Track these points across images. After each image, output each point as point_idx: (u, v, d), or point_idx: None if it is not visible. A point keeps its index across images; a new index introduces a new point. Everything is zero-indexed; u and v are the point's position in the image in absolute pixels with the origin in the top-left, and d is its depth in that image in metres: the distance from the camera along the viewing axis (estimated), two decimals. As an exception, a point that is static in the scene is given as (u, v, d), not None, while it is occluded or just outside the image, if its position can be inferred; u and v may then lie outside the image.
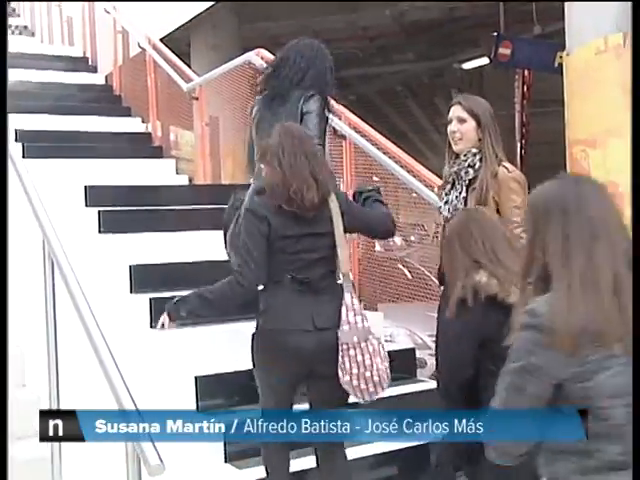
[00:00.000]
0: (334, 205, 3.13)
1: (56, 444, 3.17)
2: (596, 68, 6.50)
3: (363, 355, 3.07)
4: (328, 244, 3.13)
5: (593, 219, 1.92)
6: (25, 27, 12.13)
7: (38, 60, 9.59)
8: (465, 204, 3.46)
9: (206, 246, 4.99)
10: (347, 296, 3.12)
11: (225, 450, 3.62)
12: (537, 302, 1.91)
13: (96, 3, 9.68)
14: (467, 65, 17.04)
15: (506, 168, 3.46)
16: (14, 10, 12.61)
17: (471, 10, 14.66)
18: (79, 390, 3.47)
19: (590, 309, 1.84)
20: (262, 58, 5.94)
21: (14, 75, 8.19)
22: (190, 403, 3.79)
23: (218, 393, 3.81)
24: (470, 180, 3.49)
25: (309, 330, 3.07)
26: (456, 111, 3.58)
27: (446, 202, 3.59)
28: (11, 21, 12.15)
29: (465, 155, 3.55)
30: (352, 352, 3.05)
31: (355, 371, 3.06)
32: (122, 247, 4.87)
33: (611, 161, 6.37)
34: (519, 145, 21.21)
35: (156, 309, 4.33)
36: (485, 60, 14.78)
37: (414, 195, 5.08)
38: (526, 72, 18.45)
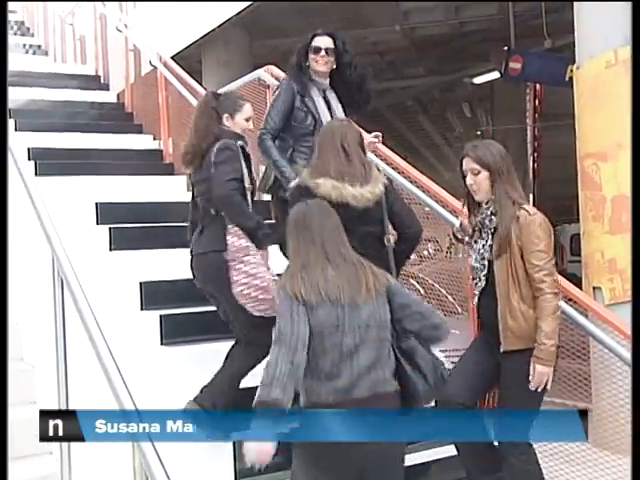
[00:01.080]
0: None
1: (66, 460, 3.17)
2: (606, 81, 6.50)
3: (247, 266, 3.63)
4: None
5: (312, 229, 2.92)
6: (39, 46, 12.22)
7: (51, 79, 9.67)
8: (491, 252, 3.47)
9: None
10: (229, 226, 3.72)
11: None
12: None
13: (108, 21, 9.77)
14: (478, 79, 17.05)
15: (527, 211, 3.44)
16: (28, 29, 12.74)
17: (481, 25, 14.71)
18: (89, 406, 3.47)
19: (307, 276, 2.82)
20: (272, 75, 5.97)
21: (27, 94, 8.27)
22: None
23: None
24: (495, 228, 3.49)
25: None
26: (468, 163, 3.58)
27: (474, 251, 3.59)
28: (25, 40, 12.28)
29: (487, 203, 3.55)
30: (238, 266, 3.62)
31: (244, 281, 3.62)
32: (133, 264, 4.89)
33: (622, 174, 6.36)
34: (531, 159, 21.20)
35: (166, 326, 4.35)
36: (496, 74, 14.79)
37: (427, 209, 5.06)
38: (537, 86, 18.49)
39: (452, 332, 7.52)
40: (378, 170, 3.83)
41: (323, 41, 4.32)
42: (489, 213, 3.52)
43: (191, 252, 3.93)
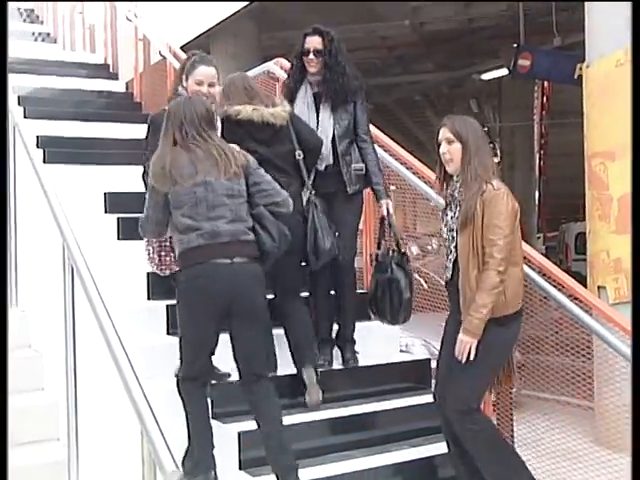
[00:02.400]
0: None
1: (73, 447, 3.20)
2: (616, 80, 6.50)
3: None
4: None
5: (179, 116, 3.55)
6: (48, 34, 12.23)
7: (60, 67, 9.67)
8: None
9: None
10: None
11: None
12: None
13: (118, 11, 9.77)
14: (486, 76, 17.03)
15: (492, 186, 3.52)
16: (37, 17, 12.74)
17: (491, 21, 14.69)
18: (97, 394, 3.51)
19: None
20: (282, 67, 5.97)
21: (36, 81, 8.27)
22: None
23: (235, 400, 3.81)
24: (462, 201, 3.58)
25: None
26: (444, 133, 3.66)
27: (444, 223, 3.69)
28: (34, 28, 12.28)
29: (458, 176, 3.64)
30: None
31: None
32: (141, 254, 4.88)
33: (629, 174, 6.36)
34: (537, 156, 21.23)
35: (172, 316, 4.36)
36: (504, 71, 14.78)
37: (432, 205, 5.07)
38: (545, 83, 18.48)
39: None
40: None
41: (312, 42, 4.43)
42: (458, 186, 3.61)
43: None
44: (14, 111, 4.74)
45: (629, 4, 6.45)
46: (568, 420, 5.90)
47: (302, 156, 4.22)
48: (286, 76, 4.97)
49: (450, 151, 3.61)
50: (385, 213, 4.38)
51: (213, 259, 3.37)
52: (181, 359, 3.48)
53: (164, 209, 3.47)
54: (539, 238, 21.73)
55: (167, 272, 4.08)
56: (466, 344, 3.41)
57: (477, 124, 3.72)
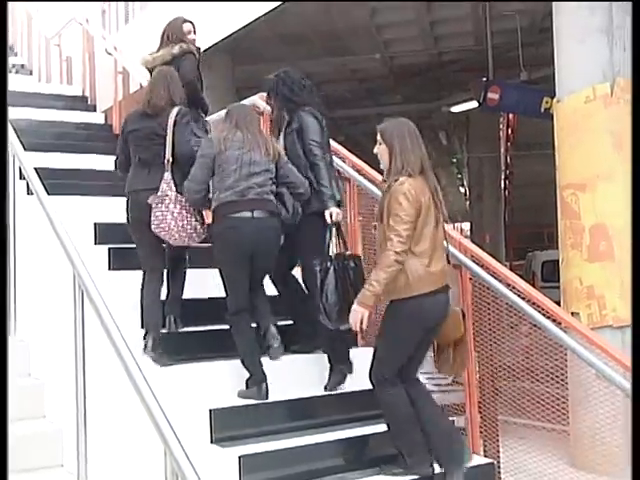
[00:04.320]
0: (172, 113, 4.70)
1: (83, 473, 3.28)
2: (585, 115, 6.78)
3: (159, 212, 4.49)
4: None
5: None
6: (22, 66, 12.26)
7: (36, 98, 9.67)
8: None
9: (216, 283, 5.14)
10: (166, 175, 4.56)
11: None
12: None
13: (96, 44, 9.88)
14: (455, 108, 17.38)
15: (397, 181, 3.87)
16: (11, 49, 12.77)
17: (460, 55, 15.06)
18: (103, 419, 3.59)
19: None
20: (266, 101, 6.13)
21: (12, 113, 8.32)
22: (205, 435, 3.91)
23: (232, 426, 3.93)
24: None
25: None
26: (377, 135, 4.06)
27: None
28: (9, 60, 12.30)
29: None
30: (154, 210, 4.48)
31: (156, 221, 4.50)
32: (132, 284, 4.97)
33: (601, 204, 6.63)
34: (503, 186, 21.60)
35: (164, 345, 4.45)
36: (474, 104, 15.12)
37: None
38: (510, 116, 18.88)
39: (430, 355, 7.68)
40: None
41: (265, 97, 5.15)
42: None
43: None
44: (14, 141, 4.82)
45: (596, 43, 6.77)
46: (544, 444, 6.07)
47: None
48: (270, 110, 5.20)
49: (379, 151, 4.02)
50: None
51: (240, 213, 4.25)
52: (232, 296, 4.34)
53: (209, 171, 4.36)
54: (506, 266, 21.99)
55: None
56: (357, 314, 3.82)
57: (407, 125, 4.03)
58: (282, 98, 4.79)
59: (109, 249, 5.25)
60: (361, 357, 4.48)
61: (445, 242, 4.05)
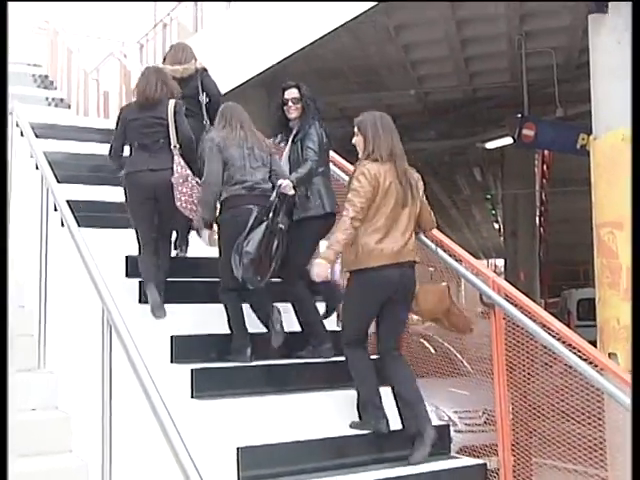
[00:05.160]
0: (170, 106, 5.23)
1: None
2: (622, 152, 6.67)
3: (186, 188, 5.03)
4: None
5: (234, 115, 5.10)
6: (61, 99, 12.47)
7: (73, 132, 9.79)
8: None
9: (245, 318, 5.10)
10: (177, 158, 5.11)
11: None
12: None
13: (133, 78, 10.01)
14: (490, 145, 17.29)
15: (364, 165, 4.30)
16: (52, 83, 13.01)
17: (494, 91, 15.01)
18: (130, 453, 3.55)
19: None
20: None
21: (51, 146, 8.43)
22: (232, 474, 3.85)
23: (260, 463, 3.86)
24: None
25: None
26: (354, 127, 4.48)
27: None
28: (48, 93, 12.53)
29: None
30: (179, 188, 5.02)
31: (183, 198, 5.03)
32: (163, 317, 4.96)
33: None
34: (538, 223, 21.41)
35: (197, 379, 4.42)
36: (508, 140, 15.04)
37: (431, 269, 5.18)
38: (546, 152, 18.75)
39: (462, 393, 7.53)
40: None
41: (290, 93, 5.25)
42: None
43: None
44: (48, 175, 4.86)
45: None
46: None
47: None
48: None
49: (356, 141, 4.44)
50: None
51: (246, 205, 4.77)
52: (224, 276, 4.80)
53: (221, 164, 4.83)
54: (540, 304, 21.74)
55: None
56: (320, 266, 4.24)
57: (380, 117, 4.43)
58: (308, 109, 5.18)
59: (140, 282, 5.23)
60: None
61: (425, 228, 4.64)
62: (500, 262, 29.84)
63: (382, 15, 11.50)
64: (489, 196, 25.06)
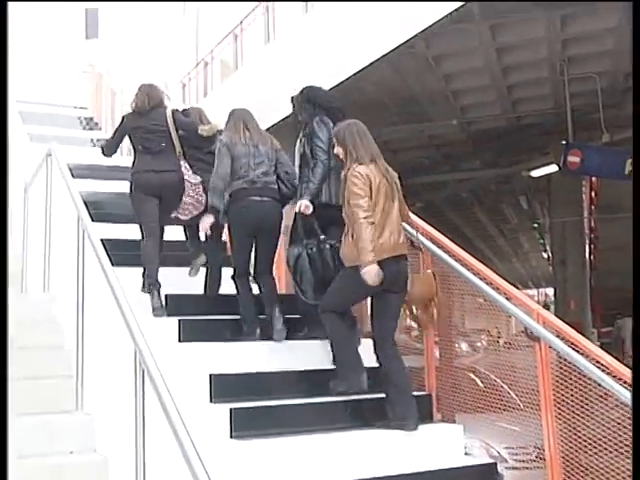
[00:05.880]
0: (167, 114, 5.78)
1: None
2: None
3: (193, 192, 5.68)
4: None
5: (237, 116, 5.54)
6: (106, 141, 12.57)
7: (115, 171, 9.86)
8: None
9: (284, 355, 5.04)
10: (182, 163, 5.71)
11: None
12: None
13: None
14: (535, 172, 17.08)
15: (350, 169, 4.59)
16: (97, 124, 13.18)
17: (538, 118, 14.84)
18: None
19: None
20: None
21: (95, 186, 8.50)
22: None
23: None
24: None
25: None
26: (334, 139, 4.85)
27: None
28: (93, 135, 12.67)
29: None
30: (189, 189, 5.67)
31: (189, 198, 5.69)
32: (202, 356, 4.90)
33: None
34: (587, 250, 21.03)
35: (236, 419, 4.33)
36: (554, 167, 14.83)
37: (480, 301, 5.06)
38: (593, 178, 18.46)
39: (513, 429, 7.32)
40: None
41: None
42: None
43: None
44: (83, 216, 4.86)
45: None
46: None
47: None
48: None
49: (337, 151, 4.76)
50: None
51: (251, 197, 5.19)
52: (236, 262, 5.28)
53: (229, 162, 5.20)
54: (593, 334, 21.30)
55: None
56: (368, 273, 4.37)
57: (355, 126, 4.73)
58: (302, 109, 5.48)
59: (179, 321, 5.18)
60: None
61: (402, 220, 4.75)
62: (550, 291, 29.36)
63: (421, 46, 11.49)
64: (536, 224, 24.72)
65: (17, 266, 6.63)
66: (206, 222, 5.32)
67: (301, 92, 5.50)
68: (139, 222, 5.76)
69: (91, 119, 13.42)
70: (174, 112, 5.87)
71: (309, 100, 5.43)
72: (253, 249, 5.33)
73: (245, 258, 5.31)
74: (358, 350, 4.69)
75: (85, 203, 7.65)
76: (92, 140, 12.28)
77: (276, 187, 5.34)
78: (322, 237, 4.96)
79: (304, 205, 5.02)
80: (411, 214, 5.49)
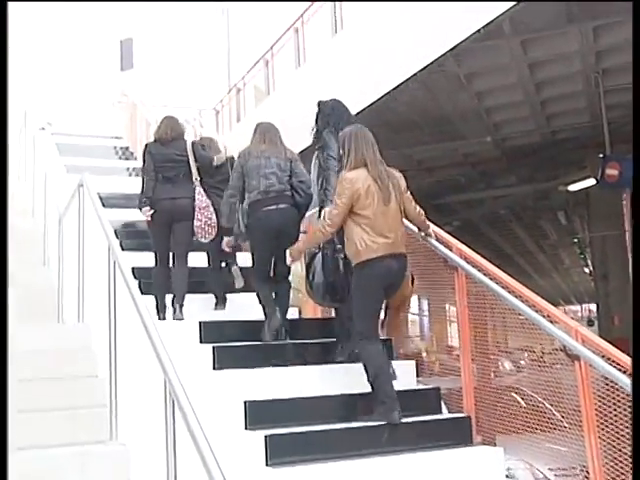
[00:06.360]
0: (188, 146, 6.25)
1: None
2: None
3: (205, 214, 6.02)
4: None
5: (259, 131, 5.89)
6: (142, 169, 12.67)
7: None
8: None
9: (318, 381, 4.98)
10: (197, 189, 6.09)
11: None
12: None
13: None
14: (573, 187, 16.83)
15: (342, 174, 4.90)
16: (132, 154, 13.30)
17: (574, 132, 14.65)
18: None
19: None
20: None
21: (131, 215, 8.53)
22: None
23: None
24: None
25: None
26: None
27: None
28: (129, 164, 12.78)
29: None
30: (200, 212, 6.00)
31: (203, 220, 6.02)
32: (237, 382, 4.85)
33: None
34: (630, 266, 20.61)
35: (272, 446, 4.27)
36: (592, 181, 14.60)
37: (521, 317, 4.95)
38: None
39: (558, 449, 7.14)
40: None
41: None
42: None
43: None
44: (114, 246, 4.86)
45: None
46: None
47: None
48: None
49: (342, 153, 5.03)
50: None
51: (267, 207, 5.44)
52: (255, 271, 5.63)
53: (241, 177, 5.55)
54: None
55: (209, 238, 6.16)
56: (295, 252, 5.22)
57: (356, 130, 4.96)
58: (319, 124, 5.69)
59: (213, 347, 5.14)
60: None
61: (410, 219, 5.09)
62: (594, 307, 28.88)
63: (452, 64, 11.42)
64: (576, 239, 24.38)
65: (53, 297, 6.69)
66: (226, 242, 5.88)
67: (318, 106, 5.73)
68: (153, 250, 6.13)
69: (127, 148, 13.57)
70: (193, 144, 6.26)
71: (322, 113, 5.64)
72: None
73: (265, 267, 5.58)
74: (392, 382, 4.68)
75: (119, 232, 7.75)
76: (128, 169, 12.39)
77: (290, 194, 5.56)
78: (338, 246, 5.10)
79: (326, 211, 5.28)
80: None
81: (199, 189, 6.08)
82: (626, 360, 4.08)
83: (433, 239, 5.28)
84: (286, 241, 5.42)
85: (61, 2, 24.26)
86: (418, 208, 5.11)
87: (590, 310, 36.23)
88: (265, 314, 5.49)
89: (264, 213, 5.45)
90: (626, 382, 4.04)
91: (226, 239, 6.02)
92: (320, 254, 5.26)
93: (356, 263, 4.78)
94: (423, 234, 5.29)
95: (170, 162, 6.11)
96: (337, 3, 13.66)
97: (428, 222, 5.28)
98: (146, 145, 6.37)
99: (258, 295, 5.59)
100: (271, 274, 5.63)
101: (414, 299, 6.63)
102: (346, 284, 5.04)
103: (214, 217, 6.03)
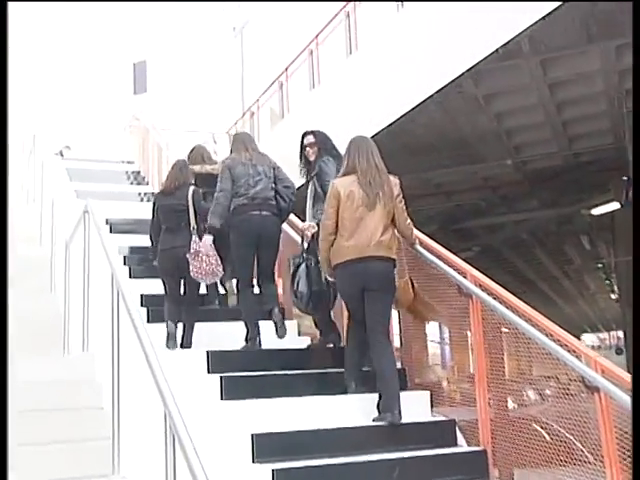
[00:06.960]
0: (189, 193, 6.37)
1: None
2: None
3: (197, 262, 5.95)
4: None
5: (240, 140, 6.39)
6: (153, 194, 12.59)
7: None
8: None
9: (328, 412, 4.83)
10: (195, 237, 6.06)
11: None
12: None
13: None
14: (597, 210, 16.51)
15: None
16: (144, 178, 13.21)
17: (597, 154, 14.35)
18: None
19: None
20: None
21: (142, 241, 8.37)
22: None
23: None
24: None
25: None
26: None
27: None
28: (140, 189, 12.68)
29: None
30: (193, 262, 5.94)
31: (195, 269, 5.96)
32: (244, 414, 4.66)
33: None
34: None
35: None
36: (616, 205, 14.29)
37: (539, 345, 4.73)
38: (659, 214, 17.79)
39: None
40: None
41: (308, 139, 6.07)
42: None
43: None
44: (117, 273, 4.71)
45: None
46: None
47: None
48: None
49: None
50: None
51: (251, 212, 5.75)
52: (237, 275, 5.96)
53: (231, 180, 5.77)
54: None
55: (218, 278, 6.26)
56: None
57: (355, 140, 5.26)
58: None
59: (221, 377, 4.95)
60: None
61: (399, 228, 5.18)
62: (622, 334, 28.40)
63: (470, 85, 11.24)
64: (601, 264, 23.97)
65: (59, 325, 6.54)
66: (207, 241, 5.86)
67: (315, 135, 6.04)
68: (163, 285, 6.32)
69: (138, 173, 13.51)
70: (194, 193, 6.39)
71: (318, 143, 5.99)
72: (255, 262, 5.84)
73: (247, 270, 5.83)
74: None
75: (129, 258, 7.59)
76: (139, 194, 12.30)
77: (274, 202, 5.87)
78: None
79: (307, 225, 5.82)
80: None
81: (195, 237, 6.13)
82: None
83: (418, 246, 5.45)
84: (266, 248, 5.82)
85: (74, 23, 24.42)
86: (408, 220, 5.24)
87: (618, 337, 35.68)
88: (247, 330, 5.69)
89: (248, 216, 5.74)
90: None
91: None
92: (304, 265, 5.61)
93: (334, 265, 5.05)
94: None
95: (171, 212, 6.34)
96: (352, 24, 13.56)
97: (415, 233, 5.46)
98: (155, 197, 6.75)
99: (242, 307, 5.84)
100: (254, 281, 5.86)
101: (434, 326, 6.37)
102: (329, 293, 5.54)
103: (205, 263, 6.02)
